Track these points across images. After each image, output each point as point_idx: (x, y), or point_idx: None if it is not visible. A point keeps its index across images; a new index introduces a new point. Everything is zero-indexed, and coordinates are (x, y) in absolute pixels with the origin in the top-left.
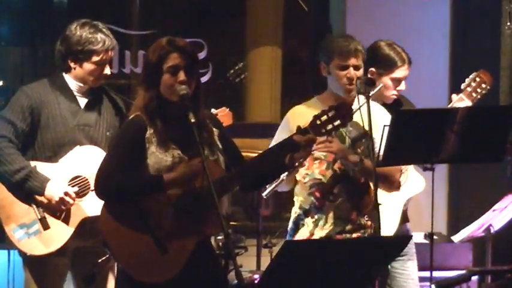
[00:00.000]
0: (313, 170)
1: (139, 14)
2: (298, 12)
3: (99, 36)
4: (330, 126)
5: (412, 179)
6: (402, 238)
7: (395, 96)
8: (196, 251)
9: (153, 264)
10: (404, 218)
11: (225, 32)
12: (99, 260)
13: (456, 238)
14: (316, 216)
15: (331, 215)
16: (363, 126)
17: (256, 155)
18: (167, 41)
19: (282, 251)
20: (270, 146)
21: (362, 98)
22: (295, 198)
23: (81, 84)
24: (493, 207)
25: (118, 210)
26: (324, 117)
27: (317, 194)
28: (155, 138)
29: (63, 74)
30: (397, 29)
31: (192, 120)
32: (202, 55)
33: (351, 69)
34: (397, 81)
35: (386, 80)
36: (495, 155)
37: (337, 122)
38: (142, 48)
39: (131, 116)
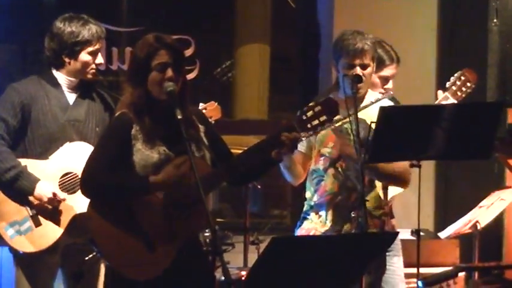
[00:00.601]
0: (319, 166)
1: (127, 10)
2: (286, 9)
3: (90, 26)
4: (315, 122)
5: None
6: (388, 234)
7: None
8: (183, 247)
9: (140, 261)
10: (390, 215)
11: (213, 29)
12: (87, 258)
13: (443, 234)
14: (320, 213)
15: (330, 212)
16: (370, 124)
17: (240, 151)
18: (155, 38)
19: (269, 247)
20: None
21: (374, 93)
22: (306, 191)
23: (73, 79)
24: (480, 204)
25: (105, 207)
26: (310, 113)
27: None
28: (141, 135)
29: (53, 70)
30: (384, 25)
31: (179, 117)
32: (189, 52)
33: (357, 68)
34: (384, 80)
35: (374, 78)
36: (482, 152)
37: (323, 118)
38: (130, 45)
39: (117, 113)
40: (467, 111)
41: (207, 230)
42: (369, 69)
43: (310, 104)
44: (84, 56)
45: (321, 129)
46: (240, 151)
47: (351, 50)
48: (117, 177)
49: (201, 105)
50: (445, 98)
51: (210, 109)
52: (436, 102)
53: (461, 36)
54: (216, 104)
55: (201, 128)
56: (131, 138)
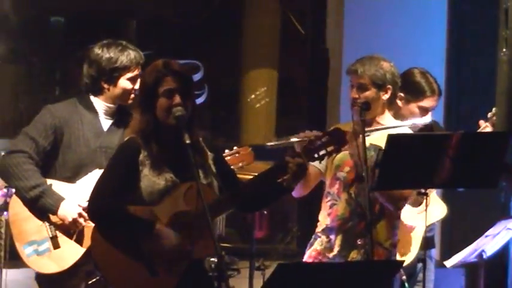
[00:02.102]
0: (334, 190)
1: (136, 34)
2: (294, 34)
3: (129, 52)
4: (323, 152)
5: (435, 205)
6: (392, 263)
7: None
8: (188, 272)
9: (143, 286)
10: (429, 244)
11: (221, 53)
12: (90, 282)
13: (449, 263)
14: (330, 237)
15: (340, 237)
16: (379, 152)
17: (250, 177)
18: (163, 64)
19: (275, 274)
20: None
21: (390, 118)
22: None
23: (111, 105)
24: (486, 233)
25: (109, 232)
26: (318, 143)
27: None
28: (149, 161)
29: (91, 96)
30: (393, 53)
31: (187, 141)
32: (198, 76)
33: (354, 89)
34: (424, 110)
35: (414, 107)
36: (489, 181)
37: (331, 148)
38: None
39: (126, 139)
40: (475, 140)
41: (212, 255)
42: (367, 92)
43: (318, 134)
44: (123, 83)
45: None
46: (246, 176)
47: (348, 70)
48: (124, 210)
49: (235, 149)
50: (485, 128)
51: (243, 153)
52: (477, 131)
53: (469, 65)
54: (250, 149)
55: (210, 155)
56: (139, 163)
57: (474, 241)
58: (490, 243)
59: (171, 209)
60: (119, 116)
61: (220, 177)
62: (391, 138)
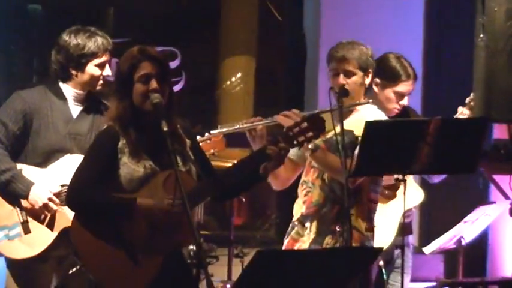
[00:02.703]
0: (308, 177)
1: (113, 22)
2: (272, 21)
3: (97, 38)
4: (302, 138)
5: (411, 191)
6: (369, 250)
7: (397, 110)
8: (167, 261)
9: (125, 275)
10: (406, 230)
11: (199, 41)
12: (70, 271)
13: (427, 250)
14: (306, 225)
15: (315, 224)
16: (356, 135)
17: (229, 164)
18: (138, 50)
19: (253, 261)
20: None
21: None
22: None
23: (80, 92)
24: (464, 219)
25: (89, 220)
26: (296, 129)
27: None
28: (127, 148)
29: (60, 83)
30: (370, 40)
31: (165, 129)
32: (175, 64)
33: (341, 75)
34: (400, 95)
35: (389, 92)
36: (468, 167)
37: (310, 134)
38: (115, 57)
39: (104, 127)
40: (453, 126)
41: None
42: (353, 78)
43: (297, 121)
44: (91, 69)
45: (308, 144)
46: (225, 164)
47: (333, 57)
48: (103, 195)
49: (206, 135)
50: (463, 113)
51: (215, 140)
52: (455, 116)
53: (447, 51)
54: (222, 136)
55: (188, 142)
56: (117, 151)
57: (453, 227)
58: (468, 229)
59: (150, 197)
60: (89, 102)
61: (198, 164)
62: (369, 125)
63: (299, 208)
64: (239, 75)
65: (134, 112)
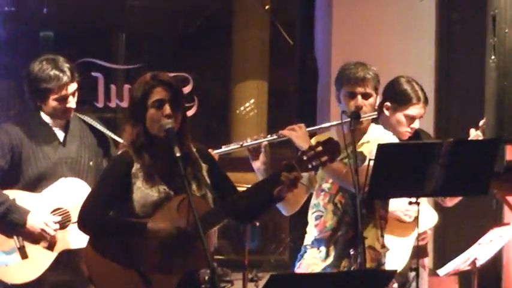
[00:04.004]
0: (319, 201)
1: (125, 48)
2: (283, 45)
3: (53, 73)
4: (316, 162)
5: (425, 213)
6: (383, 273)
7: (408, 134)
8: (181, 285)
9: None
10: (420, 253)
11: (210, 66)
12: None
13: (442, 271)
14: (320, 248)
15: (331, 248)
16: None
17: (242, 189)
18: (151, 76)
19: (267, 285)
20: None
21: (378, 127)
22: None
23: (53, 120)
24: (478, 241)
25: (102, 244)
26: (311, 153)
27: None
28: (141, 173)
29: (38, 110)
30: (382, 62)
31: (177, 154)
32: (187, 89)
33: (359, 97)
34: (410, 119)
35: (400, 116)
36: (480, 188)
37: (324, 158)
38: (128, 83)
39: (119, 152)
40: (465, 147)
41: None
42: (371, 100)
43: (311, 145)
44: (51, 103)
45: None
46: (239, 188)
47: (352, 78)
48: (115, 218)
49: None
50: (476, 136)
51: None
52: (470, 137)
53: (458, 73)
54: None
55: (204, 166)
56: (131, 176)
57: (467, 249)
58: (482, 251)
59: (164, 221)
60: (71, 125)
61: (217, 188)
62: (381, 147)
63: (311, 231)
64: (252, 101)
65: (148, 137)
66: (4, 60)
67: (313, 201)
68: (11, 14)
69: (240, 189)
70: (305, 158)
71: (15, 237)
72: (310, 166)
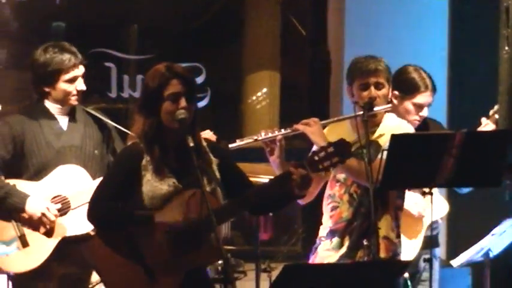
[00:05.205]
0: (334, 192)
1: (138, 38)
2: (296, 36)
3: (64, 54)
4: (327, 163)
5: (436, 203)
6: (397, 263)
7: (417, 122)
8: (188, 279)
9: None
10: (433, 243)
11: (222, 56)
12: (90, 286)
13: (455, 262)
14: (333, 239)
15: (346, 238)
16: (381, 145)
17: (253, 178)
18: (166, 68)
19: (281, 275)
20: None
21: (392, 116)
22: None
23: (60, 106)
24: (492, 232)
25: (109, 236)
26: (322, 154)
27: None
28: (151, 165)
29: (42, 100)
30: (394, 54)
31: (191, 145)
32: (200, 79)
33: (372, 88)
34: (419, 107)
35: (408, 104)
36: (493, 180)
37: (336, 159)
38: (140, 73)
39: (128, 143)
40: (477, 139)
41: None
42: (383, 90)
43: (323, 145)
44: (61, 85)
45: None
46: (251, 179)
47: (364, 71)
48: (122, 209)
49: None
50: (486, 125)
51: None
52: (479, 129)
53: (471, 64)
54: (212, 133)
55: (215, 160)
56: (141, 168)
57: (480, 240)
58: (496, 241)
59: (173, 215)
60: (74, 113)
61: (229, 183)
62: (395, 138)
63: (326, 222)
64: (264, 90)
65: (160, 129)
66: (15, 52)
67: (328, 192)
68: (23, 5)
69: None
70: (316, 158)
71: (14, 224)
72: (321, 167)
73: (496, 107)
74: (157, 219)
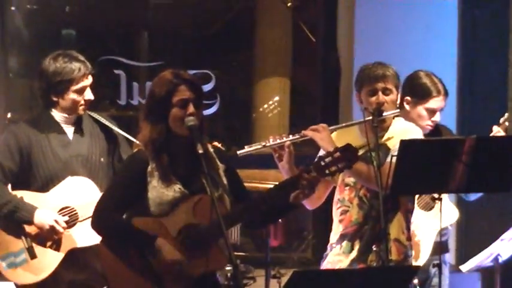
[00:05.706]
0: (344, 196)
1: (148, 46)
2: (306, 42)
3: (74, 64)
4: (334, 168)
5: (446, 210)
6: (407, 269)
7: (429, 127)
8: (198, 285)
9: None
10: (443, 249)
11: (233, 64)
12: None
13: (464, 268)
14: (343, 244)
15: (357, 242)
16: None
17: (263, 185)
18: (173, 75)
19: (290, 281)
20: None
21: (401, 120)
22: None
23: (67, 115)
24: (501, 237)
25: (115, 244)
26: (329, 159)
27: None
28: (157, 172)
29: (49, 109)
30: (404, 58)
31: (200, 151)
32: (210, 86)
33: (380, 93)
34: (431, 112)
35: (421, 109)
36: (503, 185)
37: (342, 164)
38: (150, 80)
39: (134, 151)
40: (488, 144)
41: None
42: (391, 96)
43: (330, 150)
44: (70, 94)
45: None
46: (260, 185)
47: (372, 77)
48: (126, 224)
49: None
50: (497, 133)
51: None
52: (492, 134)
53: (481, 70)
54: (220, 145)
55: (221, 166)
56: (146, 175)
57: (489, 245)
58: (505, 246)
59: (180, 221)
60: (80, 122)
61: (232, 190)
62: (404, 144)
63: (337, 228)
64: (276, 98)
65: (167, 136)
66: (26, 60)
67: (337, 196)
68: (34, 13)
69: (260, 186)
70: (323, 163)
71: (23, 237)
72: (327, 172)
73: (506, 115)
74: (164, 225)
